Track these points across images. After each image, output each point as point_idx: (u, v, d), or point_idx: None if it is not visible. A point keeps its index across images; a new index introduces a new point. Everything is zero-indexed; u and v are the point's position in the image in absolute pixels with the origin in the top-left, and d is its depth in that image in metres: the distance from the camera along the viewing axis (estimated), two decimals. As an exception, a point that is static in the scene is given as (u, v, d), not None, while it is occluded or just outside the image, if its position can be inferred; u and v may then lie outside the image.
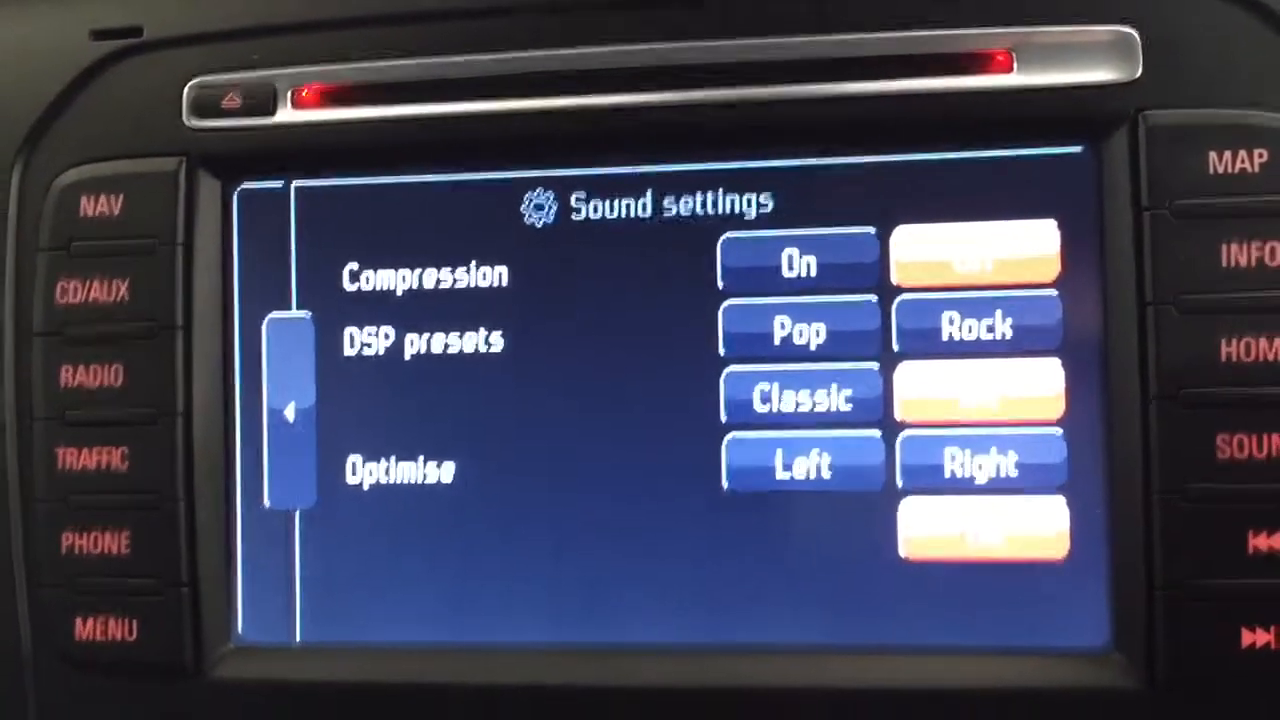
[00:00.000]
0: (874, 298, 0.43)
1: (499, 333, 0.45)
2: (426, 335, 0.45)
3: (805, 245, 0.44)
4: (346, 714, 0.45)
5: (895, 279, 0.43)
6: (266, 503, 0.45)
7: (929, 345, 0.43)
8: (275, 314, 0.45)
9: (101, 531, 0.45)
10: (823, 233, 0.43)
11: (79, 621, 0.45)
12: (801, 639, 0.44)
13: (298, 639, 0.46)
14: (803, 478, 0.44)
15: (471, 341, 0.45)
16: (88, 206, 0.44)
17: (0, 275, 0.45)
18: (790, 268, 0.44)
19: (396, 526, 0.45)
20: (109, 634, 0.44)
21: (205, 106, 0.44)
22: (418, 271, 0.45)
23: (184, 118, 0.44)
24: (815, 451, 0.43)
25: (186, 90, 0.45)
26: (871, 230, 0.43)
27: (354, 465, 0.45)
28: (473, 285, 0.45)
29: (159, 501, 0.44)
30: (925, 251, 0.43)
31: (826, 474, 0.44)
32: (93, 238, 0.44)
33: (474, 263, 0.45)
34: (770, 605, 0.44)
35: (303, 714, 0.45)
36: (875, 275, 0.43)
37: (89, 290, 0.44)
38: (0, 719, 0.47)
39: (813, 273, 0.44)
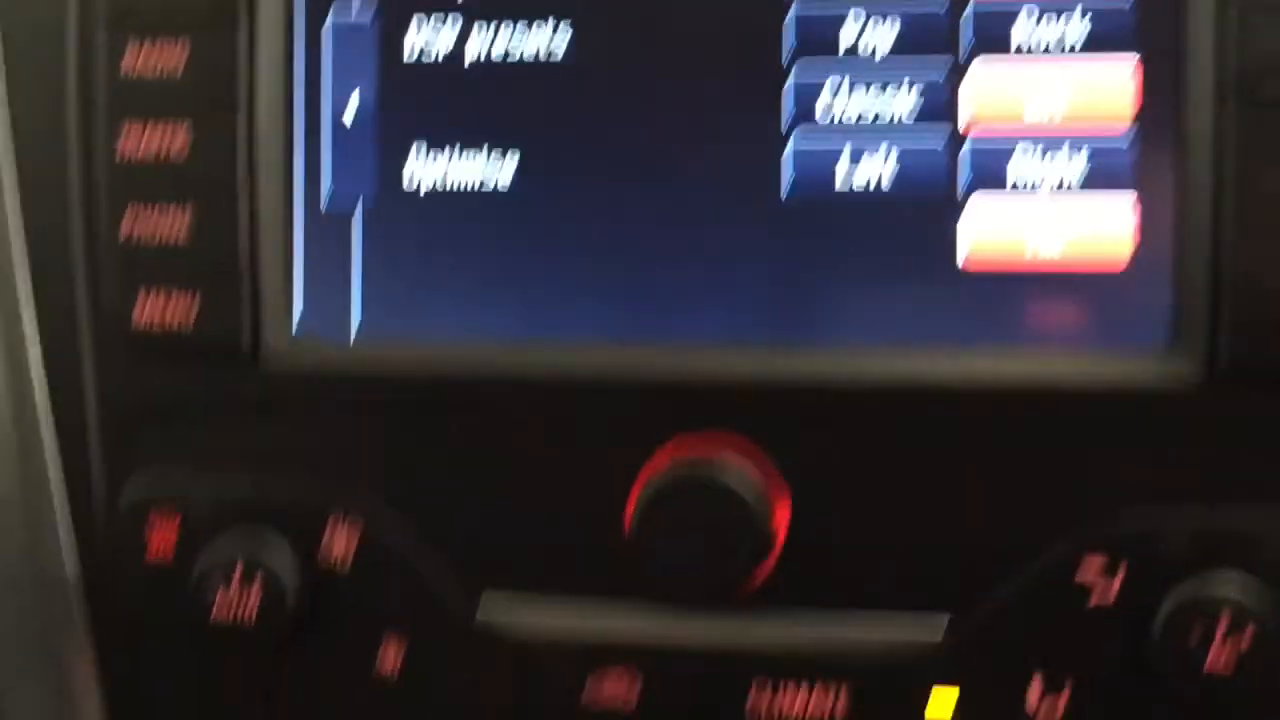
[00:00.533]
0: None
1: (565, 31, 0.44)
2: (491, 31, 0.45)
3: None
4: (400, 405, 0.45)
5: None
6: (324, 204, 0.46)
7: (1000, 44, 0.42)
8: (337, 15, 0.45)
9: (163, 214, 0.45)
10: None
11: (139, 304, 0.45)
12: (869, 339, 0.44)
13: (353, 336, 0.46)
14: (862, 185, 0.43)
15: (536, 40, 0.44)
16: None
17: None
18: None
19: (454, 227, 0.45)
20: (168, 318, 0.45)
21: None
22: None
23: None
24: (878, 154, 0.43)
25: None
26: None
27: (413, 167, 0.45)
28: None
29: (222, 186, 0.44)
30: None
31: (888, 181, 0.43)
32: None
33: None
34: (826, 309, 0.44)
35: (357, 405, 0.45)
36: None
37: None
38: (59, 407, 0.48)
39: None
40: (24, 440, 0.48)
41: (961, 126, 0.43)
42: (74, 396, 0.47)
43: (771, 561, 0.42)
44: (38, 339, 0.48)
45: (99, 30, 0.45)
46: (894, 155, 0.43)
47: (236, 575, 0.44)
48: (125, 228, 0.45)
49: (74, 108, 0.46)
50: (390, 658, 0.45)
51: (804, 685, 0.44)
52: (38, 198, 0.47)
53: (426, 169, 0.45)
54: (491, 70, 0.45)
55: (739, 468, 0.42)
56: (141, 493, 0.46)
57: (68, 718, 0.48)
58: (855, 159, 0.43)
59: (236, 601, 0.44)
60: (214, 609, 0.44)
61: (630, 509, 0.43)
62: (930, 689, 0.43)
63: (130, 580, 0.46)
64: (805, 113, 0.43)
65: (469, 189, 0.45)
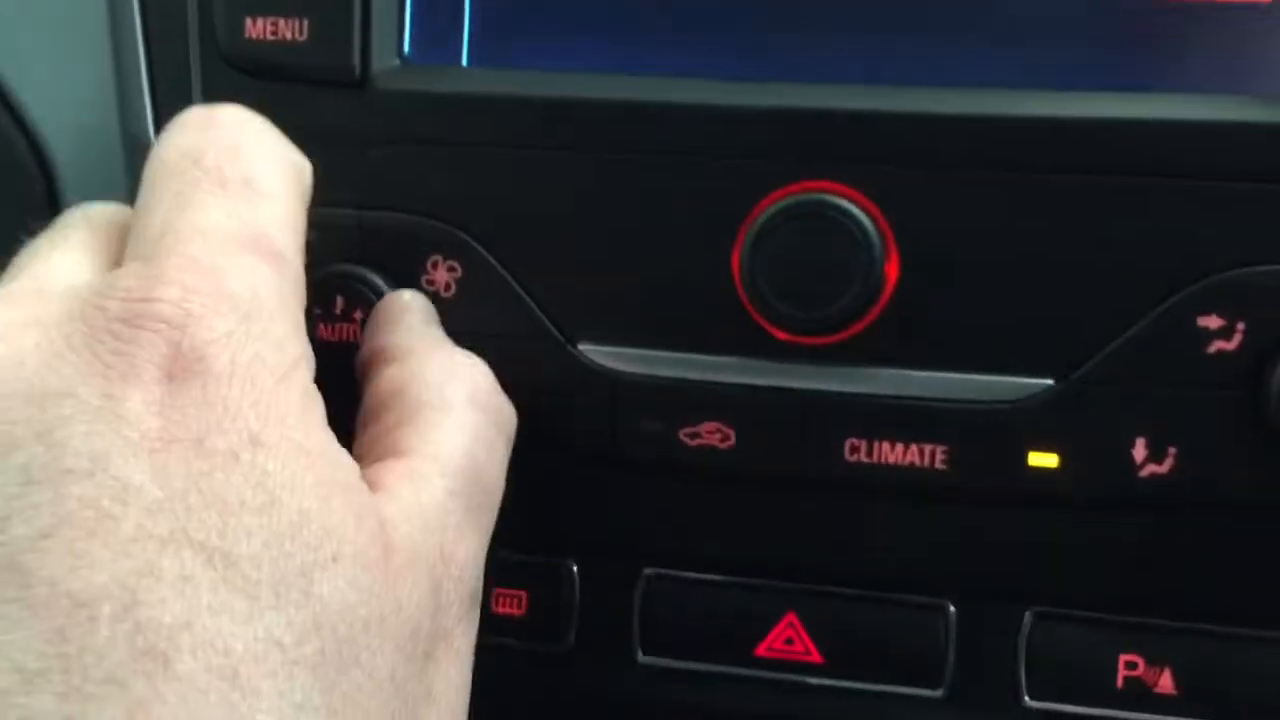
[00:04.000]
0: None
1: None
2: None
3: None
4: (514, 130, 0.44)
5: None
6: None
7: None
8: None
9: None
10: None
11: (249, 19, 0.44)
12: (988, 81, 0.41)
13: (464, 62, 0.45)
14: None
15: None
16: None
17: None
18: None
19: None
20: (279, 33, 0.44)
21: None
22: None
23: None
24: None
25: None
26: None
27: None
28: None
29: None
30: None
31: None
32: None
33: None
34: (957, 46, 0.41)
35: (470, 129, 0.44)
36: None
37: None
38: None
39: None
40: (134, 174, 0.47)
41: None
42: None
43: (878, 308, 0.41)
44: (146, 67, 0.47)
45: None
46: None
47: (340, 304, 0.44)
48: (236, -57, 0.44)
49: None
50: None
51: (900, 442, 0.42)
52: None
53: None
54: None
55: (859, 205, 0.40)
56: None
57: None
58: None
59: (346, 325, 0.44)
60: (318, 337, 0.44)
61: (739, 245, 0.41)
62: (1029, 449, 0.41)
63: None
64: None
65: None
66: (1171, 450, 0.40)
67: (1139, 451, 0.41)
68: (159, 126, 0.46)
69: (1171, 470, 0.40)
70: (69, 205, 0.46)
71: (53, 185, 0.46)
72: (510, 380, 0.44)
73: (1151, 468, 0.41)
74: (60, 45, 0.47)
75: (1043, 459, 0.41)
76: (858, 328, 0.42)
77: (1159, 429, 0.40)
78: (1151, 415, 0.40)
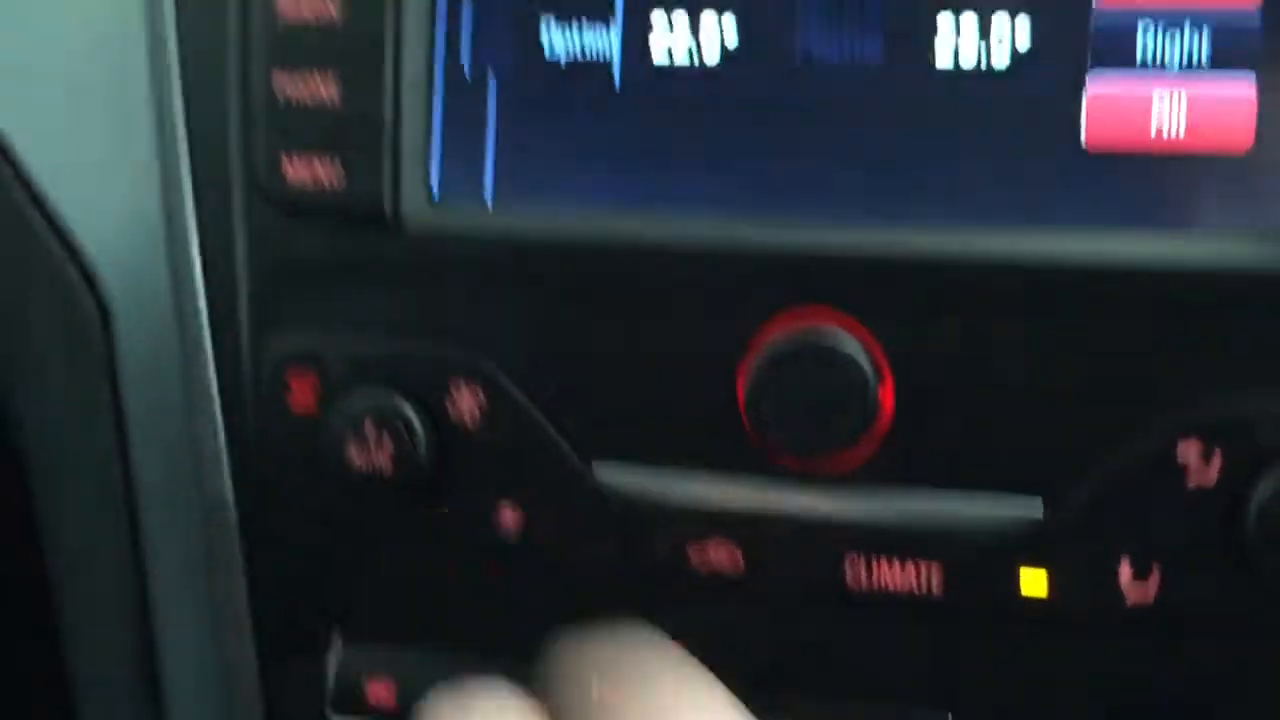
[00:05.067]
0: None
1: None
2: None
3: None
4: (535, 266, 0.47)
5: None
6: (464, 72, 0.47)
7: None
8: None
9: (312, 78, 0.47)
10: None
11: (287, 162, 0.48)
12: (979, 219, 0.44)
13: (489, 203, 0.48)
14: (979, 60, 0.43)
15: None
16: None
17: None
18: None
19: (587, 99, 0.47)
20: (315, 175, 0.47)
21: None
22: None
23: None
24: (1005, 22, 0.43)
25: None
26: None
27: (550, 35, 0.47)
28: None
29: (368, 53, 0.46)
30: None
31: (1006, 58, 0.43)
32: None
33: None
34: (938, 187, 0.44)
35: (485, 270, 0.47)
36: None
37: None
38: (210, 267, 0.51)
39: None
40: (179, 297, 0.51)
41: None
42: (222, 257, 0.50)
43: (875, 434, 0.43)
44: (193, 202, 0.51)
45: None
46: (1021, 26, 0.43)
47: (371, 427, 0.47)
48: (277, 90, 0.47)
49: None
50: (509, 515, 0.47)
51: (898, 561, 0.44)
52: (195, 59, 0.50)
53: (560, 40, 0.47)
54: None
55: (852, 337, 0.43)
56: (283, 348, 0.49)
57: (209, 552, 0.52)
58: (983, 34, 0.43)
59: (372, 451, 0.46)
60: (350, 458, 0.47)
61: (742, 375, 0.44)
62: (1020, 569, 0.43)
63: (271, 429, 0.49)
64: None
65: (601, 59, 0.46)
66: (1155, 572, 0.42)
67: (1124, 573, 0.43)
68: (205, 258, 0.50)
69: (1156, 592, 0.43)
70: (120, 331, 0.50)
71: (106, 314, 0.50)
72: (529, 497, 0.46)
73: (1137, 589, 0.43)
74: (113, 178, 0.51)
75: (1033, 577, 0.44)
76: (855, 453, 0.44)
77: (1143, 552, 0.42)
78: (1135, 538, 0.43)
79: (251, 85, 0.48)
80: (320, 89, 0.47)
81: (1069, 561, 0.43)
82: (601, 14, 0.47)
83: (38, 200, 0.49)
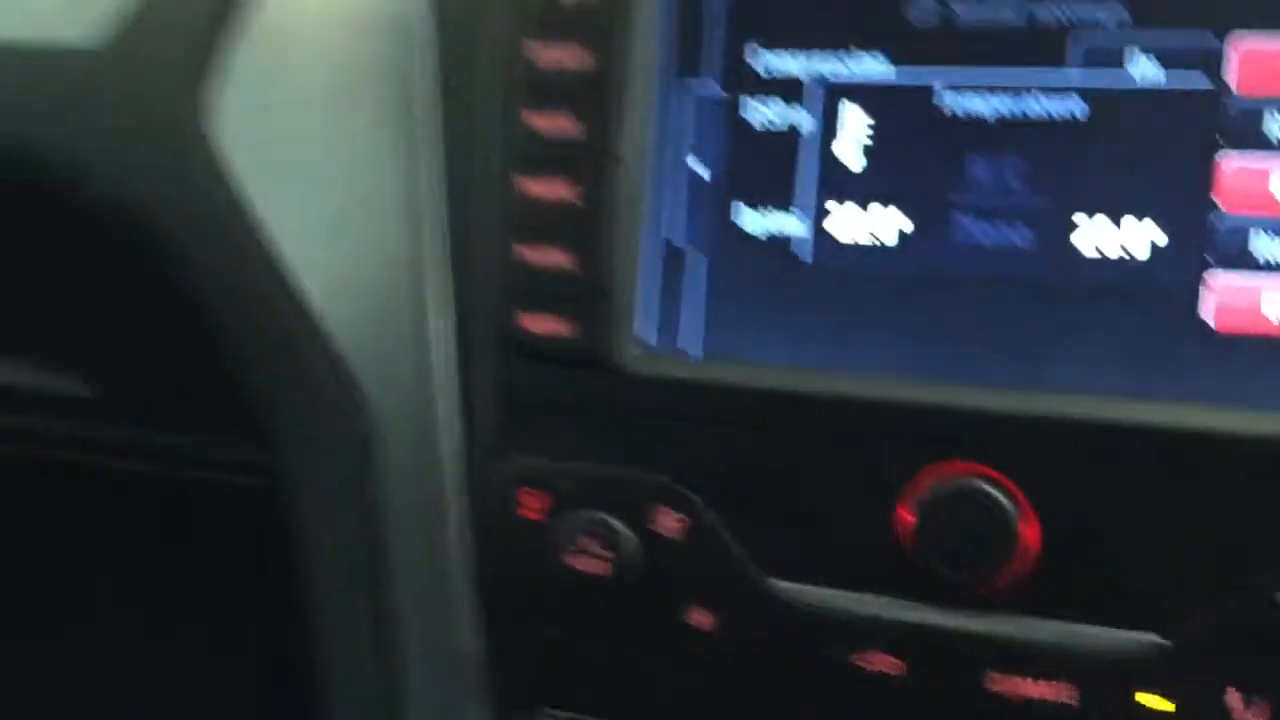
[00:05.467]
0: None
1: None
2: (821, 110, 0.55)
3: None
4: (730, 410, 0.56)
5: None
6: (678, 243, 0.57)
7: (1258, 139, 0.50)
8: (693, 85, 0.57)
9: (548, 247, 0.57)
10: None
11: (528, 318, 0.58)
12: (1112, 389, 0.52)
13: (695, 355, 0.57)
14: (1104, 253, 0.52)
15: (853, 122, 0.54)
16: (559, -11, 0.56)
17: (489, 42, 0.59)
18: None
19: (783, 271, 0.56)
20: (551, 330, 0.57)
21: None
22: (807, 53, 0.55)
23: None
24: (1133, 222, 0.51)
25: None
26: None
27: (746, 217, 0.56)
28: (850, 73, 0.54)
29: (598, 225, 0.56)
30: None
31: (1135, 252, 0.51)
32: (564, 8, 0.56)
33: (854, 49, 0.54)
34: (1089, 357, 0.52)
35: (696, 408, 0.57)
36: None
37: (557, 54, 0.56)
38: (465, 396, 0.61)
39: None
40: (434, 421, 0.61)
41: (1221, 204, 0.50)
42: (473, 389, 0.60)
43: (1018, 568, 0.51)
44: (454, 346, 0.62)
45: (514, 101, 0.58)
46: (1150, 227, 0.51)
47: (588, 538, 0.56)
48: (521, 255, 0.58)
49: (495, 159, 0.59)
50: (700, 617, 0.56)
51: (1033, 676, 0.52)
52: (455, 233, 0.61)
53: (756, 221, 0.56)
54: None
55: (999, 484, 0.51)
56: (518, 469, 0.59)
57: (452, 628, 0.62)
58: (1116, 231, 0.51)
59: (589, 557, 0.56)
60: (570, 562, 0.56)
61: (905, 509, 0.52)
62: (1143, 692, 0.51)
63: (504, 534, 0.59)
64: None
65: (792, 238, 0.55)
66: (1263, 703, 0.49)
67: (1236, 702, 0.50)
68: (461, 389, 0.61)
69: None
70: (384, 444, 0.60)
71: (371, 429, 0.61)
72: (717, 603, 0.55)
73: (1248, 717, 0.49)
74: (388, 321, 0.62)
75: (1155, 703, 0.51)
76: (999, 580, 0.52)
77: (1250, 684, 0.49)
78: (1246, 671, 0.49)
79: (498, 255, 0.58)
80: (555, 258, 0.57)
81: (1185, 688, 0.50)
82: (786, 202, 0.56)
83: (324, 339, 0.60)
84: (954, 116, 0.53)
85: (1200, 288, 0.51)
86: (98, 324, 0.95)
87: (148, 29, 0.64)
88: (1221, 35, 0.50)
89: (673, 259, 0.57)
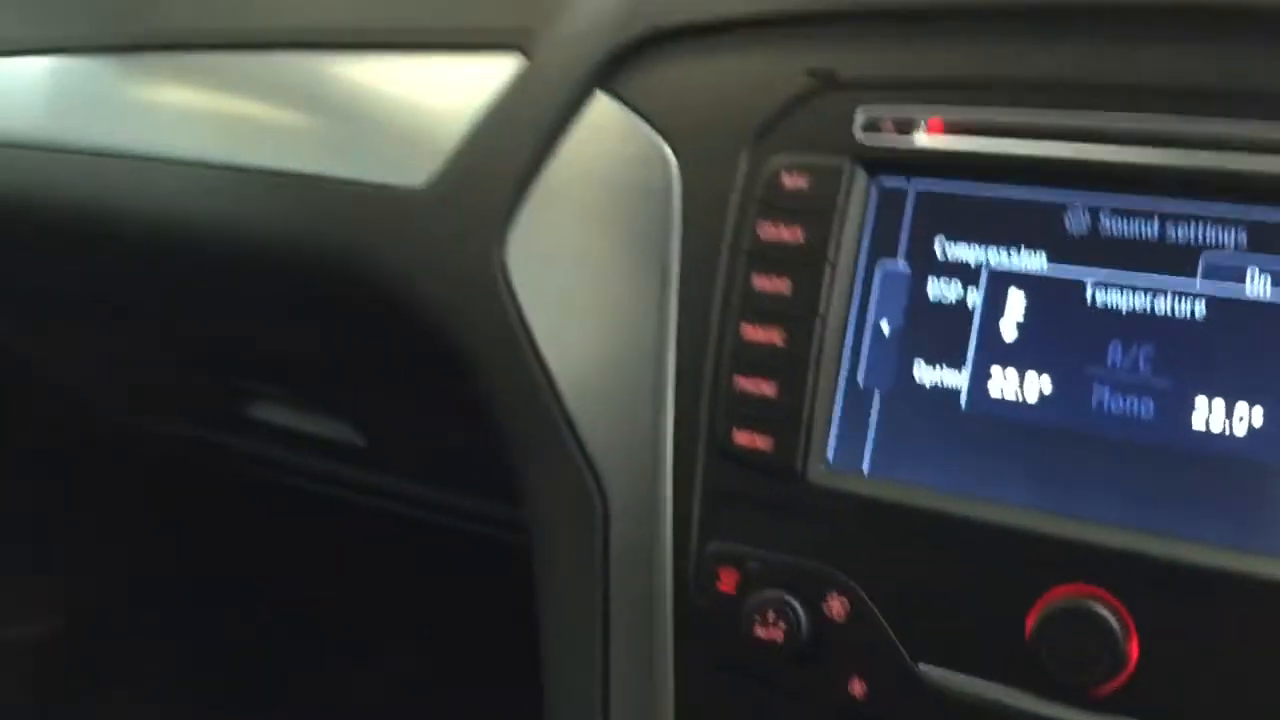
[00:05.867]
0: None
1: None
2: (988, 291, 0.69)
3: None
4: (891, 520, 0.69)
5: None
6: (860, 383, 0.71)
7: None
8: (886, 264, 0.71)
9: (757, 379, 0.72)
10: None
11: (737, 432, 0.73)
12: (1214, 537, 0.63)
13: (866, 472, 0.71)
14: (1218, 428, 0.63)
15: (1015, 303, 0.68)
16: (786, 179, 0.72)
17: (723, 216, 0.74)
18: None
19: (944, 413, 0.69)
20: (753, 444, 0.72)
21: (868, 125, 0.70)
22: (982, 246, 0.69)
23: (853, 131, 0.70)
24: (1245, 406, 0.63)
25: (857, 113, 0.70)
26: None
27: (919, 371, 0.70)
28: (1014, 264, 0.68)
29: (798, 364, 0.71)
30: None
31: (1245, 429, 0.63)
32: (786, 197, 0.72)
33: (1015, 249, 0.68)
34: (1198, 507, 0.63)
35: (864, 514, 0.70)
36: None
37: (778, 231, 0.72)
38: (679, 488, 0.76)
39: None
40: (649, 505, 0.77)
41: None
42: (685, 483, 0.76)
43: (1122, 679, 0.62)
44: (671, 449, 0.77)
45: (740, 263, 0.73)
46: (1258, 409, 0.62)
47: (770, 613, 0.70)
48: (737, 383, 0.73)
49: (722, 307, 0.74)
50: (858, 686, 0.70)
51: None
52: (680, 358, 0.76)
53: (926, 372, 0.70)
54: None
55: (1112, 606, 0.63)
56: (717, 550, 0.73)
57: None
58: (1229, 412, 0.63)
59: (769, 629, 0.70)
60: (754, 631, 0.71)
61: (1031, 619, 0.64)
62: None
63: (704, 603, 0.74)
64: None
65: (954, 388, 0.69)
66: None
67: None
68: (675, 483, 0.76)
69: None
70: (614, 524, 0.76)
71: (608, 512, 0.77)
72: (873, 677, 0.69)
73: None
74: (625, 426, 0.78)
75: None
76: (1107, 689, 0.63)
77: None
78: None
79: (719, 381, 0.74)
80: (764, 388, 0.72)
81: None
82: (951, 360, 0.69)
83: (577, 435, 0.77)
84: (1097, 306, 0.66)
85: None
86: (379, 389, 1.15)
87: (465, 178, 0.83)
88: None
89: (855, 396, 0.71)
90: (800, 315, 0.71)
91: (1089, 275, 0.67)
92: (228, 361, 1.29)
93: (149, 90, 1.00)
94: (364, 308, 0.93)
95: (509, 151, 0.81)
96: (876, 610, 0.69)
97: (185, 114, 0.97)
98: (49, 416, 1.53)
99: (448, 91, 0.86)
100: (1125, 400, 0.66)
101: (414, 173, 0.85)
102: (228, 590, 1.73)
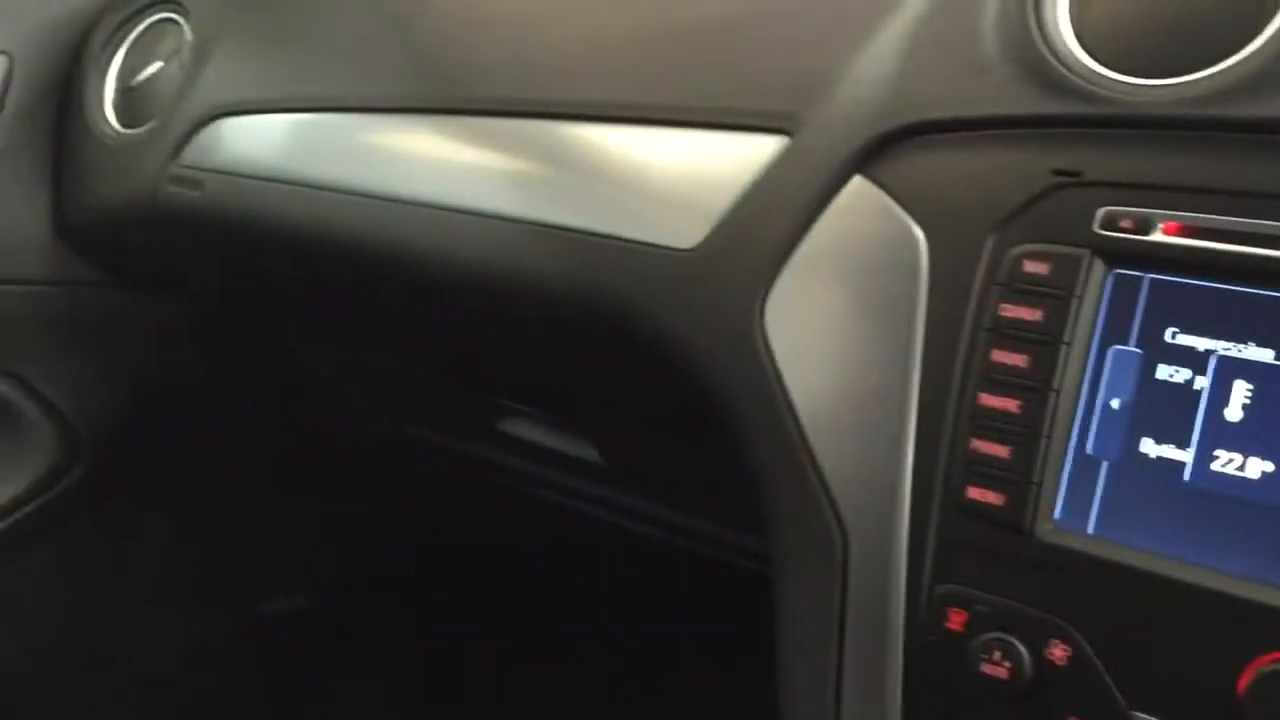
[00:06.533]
0: None
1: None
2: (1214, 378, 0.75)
3: None
4: (1111, 577, 0.76)
5: None
6: (1088, 452, 0.79)
7: None
8: (1118, 347, 0.78)
9: (991, 443, 0.80)
10: None
11: (972, 489, 0.81)
12: None
13: (1090, 531, 0.79)
14: None
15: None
16: (1028, 264, 0.80)
17: (967, 294, 0.83)
18: None
19: (1167, 484, 0.76)
20: (986, 500, 0.80)
21: (1107, 223, 0.77)
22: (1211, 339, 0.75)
23: (1093, 226, 0.78)
24: None
25: (1098, 211, 0.78)
26: None
27: (1147, 443, 0.77)
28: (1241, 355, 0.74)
29: (1031, 436, 0.79)
30: None
31: None
32: (1027, 281, 0.80)
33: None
34: None
35: (1083, 571, 0.77)
36: None
37: (1019, 311, 0.80)
38: (914, 534, 0.85)
39: None
40: (885, 550, 0.86)
41: None
42: (920, 529, 0.84)
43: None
44: (908, 497, 0.86)
45: (982, 338, 0.81)
46: None
47: (997, 652, 0.79)
48: (974, 445, 0.81)
49: (962, 376, 0.82)
50: (1070, 731, 0.77)
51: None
52: (921, 420, 0.85)
53: (1152, 446, 0.77)
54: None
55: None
56: (948, 593, 0.82)
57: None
58: None
59: (994, 667, 0.78)
60: (980, 669, 0.79)
61: (1242, 680, 0.71)
62: None
63: (934, 640, 0.83)
64: None
65: (1178, 461, 0.76)
66: None
67: None
68: (915, 536, 0.85)
69: None
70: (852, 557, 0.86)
71: (846, 557, 0.86)
72: (1090, 717, 0.76)
73: None
74: (863, 475, 0.87)
75: None
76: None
77: None
78: None
79: (956, 443, 0.82)
80: (999, 451, 0.80)
81: None
82: (1182, 439, 0.76)
83: (823, 480, 0.87)
84: (1318, 396, 0.72)
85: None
86: (625, 418, 1.27)
87: (732, 244, 0.94)
88: None
89: (1084, 463, 0.79)
90: (1036, 388, 0.79)
91: (1312, 368, 0.73)
92: (485, 382, 1.44)
93: (451, 148, 1.14)
94: (626, 351, 1.05)
95: (773, 223, 0.91)
96: (1095, 658, 0.77)
97: (482, 171, 1.11)
98: (319, 417, 1.71)
99: (716, 164, 0.97)
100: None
101: (684, 236, 0.96)
102: (459, 585, 1.90)
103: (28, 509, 1.49)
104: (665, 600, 1.61)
